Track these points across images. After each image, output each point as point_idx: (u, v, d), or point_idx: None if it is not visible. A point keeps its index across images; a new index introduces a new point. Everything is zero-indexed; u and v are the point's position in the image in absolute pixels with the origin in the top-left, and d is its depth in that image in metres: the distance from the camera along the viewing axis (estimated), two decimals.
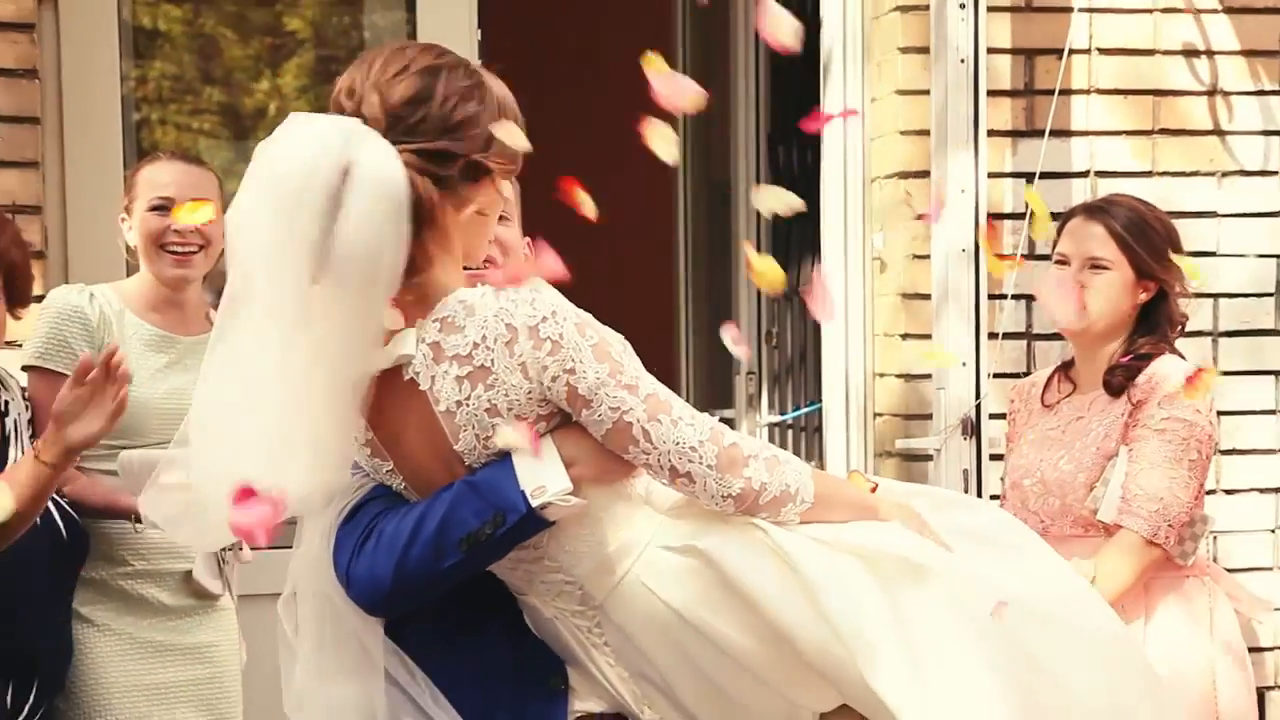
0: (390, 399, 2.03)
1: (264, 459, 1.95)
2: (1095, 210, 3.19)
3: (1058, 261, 3.20)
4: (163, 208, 3.27)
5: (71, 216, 3.77)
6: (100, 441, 3.09)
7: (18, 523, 2.76)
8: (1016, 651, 2.06)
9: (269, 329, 1.94)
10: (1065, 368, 3.30)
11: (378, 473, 2.09)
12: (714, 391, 4.92)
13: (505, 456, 2.00)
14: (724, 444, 2.00)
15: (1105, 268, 3.13)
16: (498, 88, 2.06)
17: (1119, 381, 3.11)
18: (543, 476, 1.98)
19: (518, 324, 1.97)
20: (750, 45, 4.88)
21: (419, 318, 2.00)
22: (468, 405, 1.98)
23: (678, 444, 1.98)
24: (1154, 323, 3.16)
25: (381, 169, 1.94)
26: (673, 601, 2.02)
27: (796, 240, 4.74)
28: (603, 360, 1.98)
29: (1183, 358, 3.18)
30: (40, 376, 3.15)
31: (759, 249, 4.84)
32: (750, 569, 2.01)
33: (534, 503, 1.98)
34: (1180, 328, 3.21)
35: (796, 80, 4.52)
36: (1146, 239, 3.13)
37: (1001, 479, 3.36)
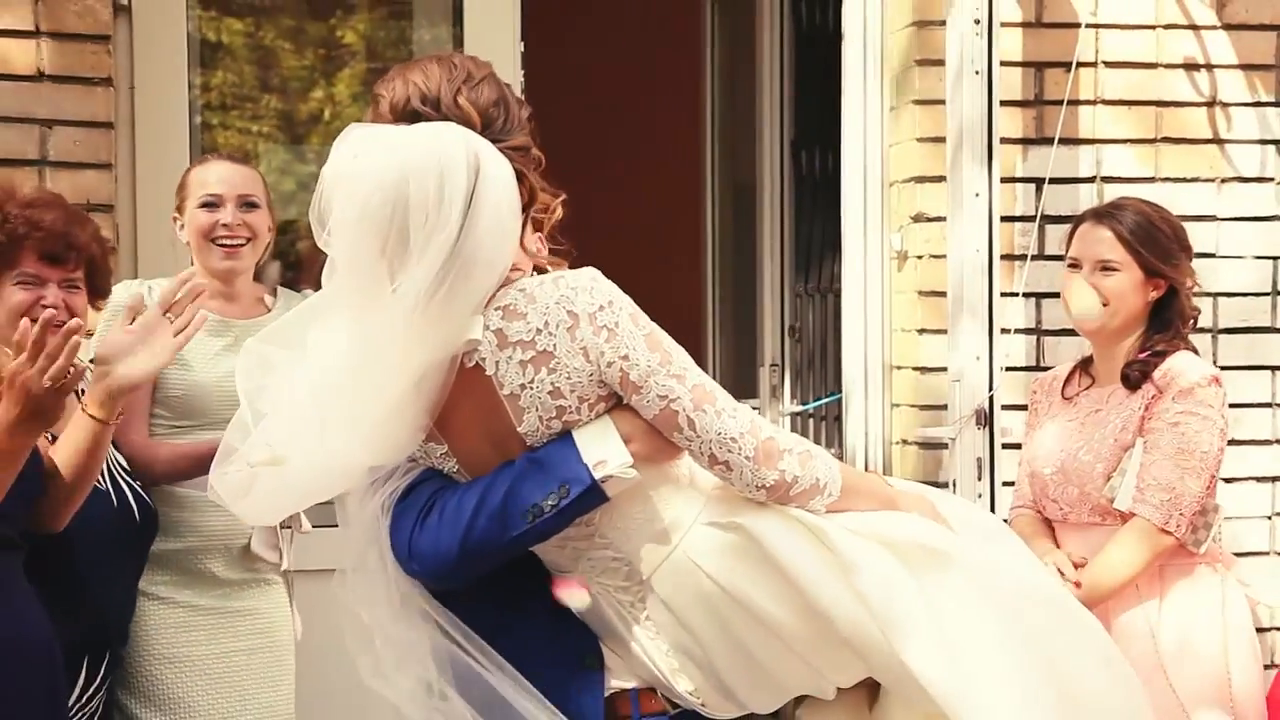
0: (459, 382, 2.05)
1: (347, 433, 2.02)
2: (1103, 215, 3.22)
3: (1070, 265, 3.24)
4: (211, 204, 3.35)
5: (141, 215, 3.85)
6: (166, 424, 3.27)
7: (79, 482, 2.73)
8: (1037, 636, 2.11)
9: (391, 314, 1.97)
10: (1085, 362, 3.32)
11: (430, 457, 2.12)
12: (739, 382, 4.97)
13: (566, 434, 2.05)
14: (761, 437, 2.05)
15: (1115, 269, 3.17)
16: None
17: (1136, 376, 3.14)
18: (604, 451, 2.03)
19: (579, 310, 2.02)
20: (776, 53, 4.92)
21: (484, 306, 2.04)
22: (531, 388, 2.03)
23: (719, 434, 2.03)
24: (1166, 319, 3.19)
25: (500, 167, 2.02)
26: (718, 576, 2.06)
27: (819, 239, 4.74)
28: (654, 350, 2.03)
29: (1197, 353, 3.21)
30: None
31: (783, 249, 4.91)
32: (790, 547, 2.06)
33: (597, 475, 2.03)
34: (1193, 322, 3.24)
35: (820, 88, 4.57)
36: (1153, 240, 3.16)
37: (1019, 465, 3.38)
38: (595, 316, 2.03)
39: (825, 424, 4.66)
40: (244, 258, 3.39)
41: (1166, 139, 4.04)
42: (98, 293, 3.05)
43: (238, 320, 3.36)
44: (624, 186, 5.93)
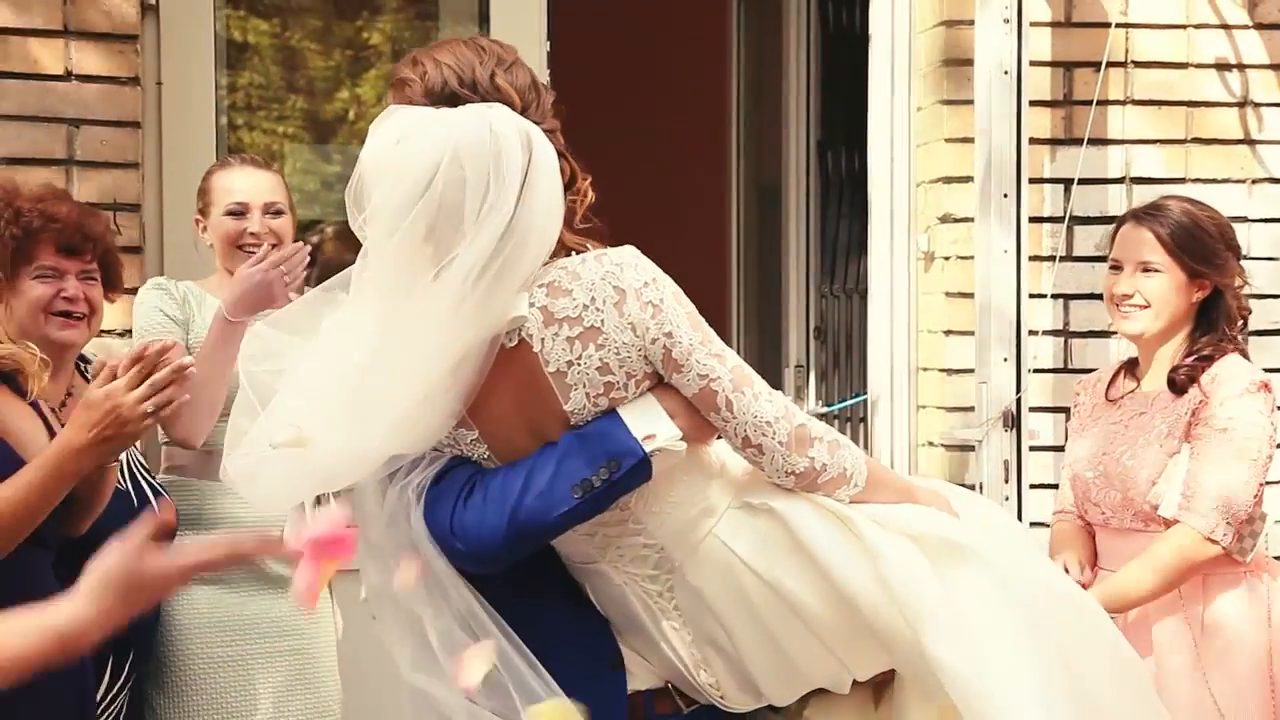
0: (497, 363, 2.03)
1: (377, 419, 1.99)
2: (1144, 216, 3.18)
3: (1112, 267, 3.21)
4: (238, 212, 3.40)
5: (168, 214, 3.87)
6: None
7: (99, 492, 2.73)
8: (1052, 631, 2.10)
9: (436, 299, 1.96)
10: (1130, 364, 3.28)
11: (459, 444, 2.10)
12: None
13: (611, 411, 2.04)
14: (795, 423, 2.07)
15: (1156, 271, 3.13)
16: None
17: (1183, 381, 3.10)
18: (653, 425, 2.03)
19: (625, 286, 2.02)
20: (802, 54, 4.93)
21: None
22: (579, 365, 2.02)
23: (755, 417, 2.04)
24: (1212, 320, 3.15)
25: (548, 146, 2.03)
26: (751, 561, 2.06)
27: (845, 240, 4.76)
28: (696, 329, 2.04)
29: (1247, 357, 3.17)
30: None
31: (808, 250, 4.92)
32: (821, 534, 2.06)
33: (648, 449, 2.02)
34: (1243, 323, 3.20)
35: (846, 88, 4.57)
36: (1195, 241, 3.12)
37: (1063, 469, 3.35)
38: (641, 292, 2.03)
39: (850, 425, 4.69)
40: None
41: (1197, 139, 4.04)
42: (111, 284, 3.06)
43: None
44: (649, 187, 5.90)
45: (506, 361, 2.04)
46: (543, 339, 2.04)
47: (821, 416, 4.75)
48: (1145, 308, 3.16)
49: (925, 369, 4.09)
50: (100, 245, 2.99)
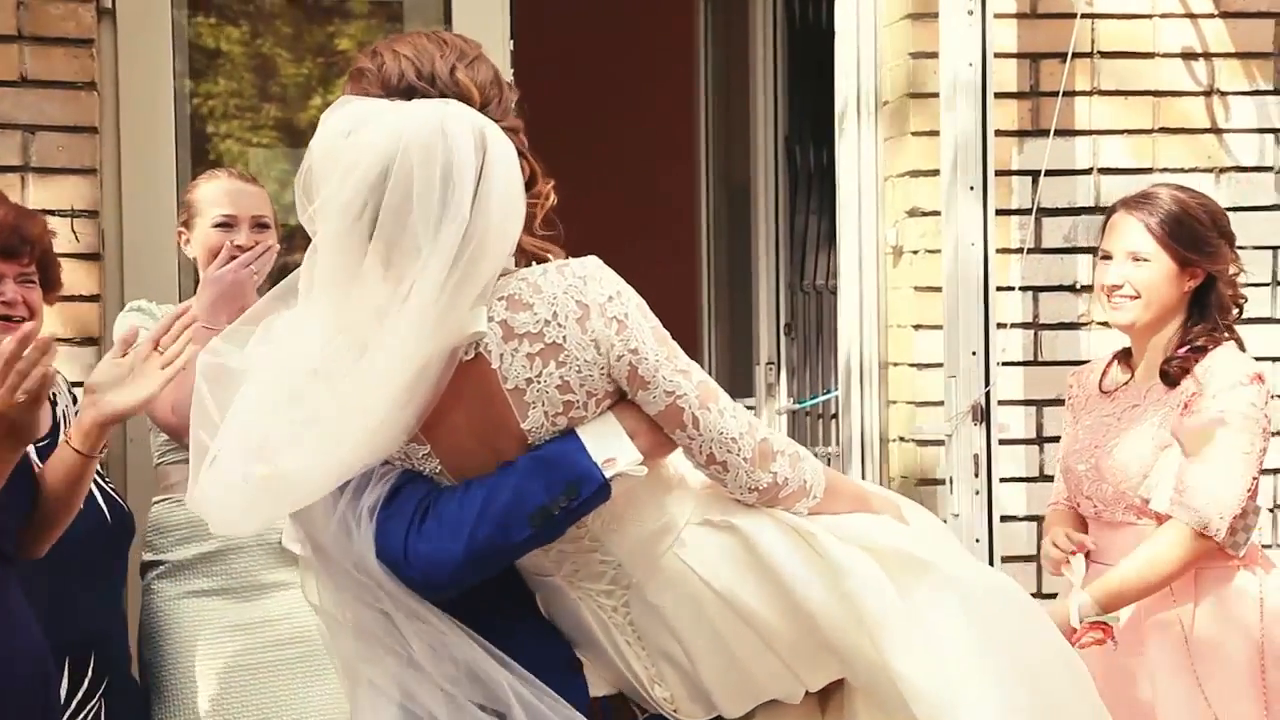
0: (455, 378, 1.99)
1: (335, 434, 1.94)
2: (1134, 205, 3.15)
3: (1102, 256, 3.18)
4: (226, 225, 3.41)
5: (127, 220, 3.83)
6: (168, 446, 3.31)
7: (61, 513, 2.71)
8: (1011, 642, 2.09)
9: (399, 309, 1.91)
10: (1123, 354, 3.25)
11: (411, 458, 2.05)
12: (735, 380, 4.96)
13: (570, 432, 1.99)
14: (758, 439, 2.04)
15: (1145, 260, 3.10)
16: None
17: (1176, 372, 3.08)
18: (613, 448, 1.98)
19: (589, 300, 1.97)
20: (769, 50, 4.91)
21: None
22: (539, 383, 1.98)
23: (721, 434, 2.01)
24: (1205, 309, 3.12)
25: (505, 146, 1.96)
26: (709, 578, 2.04)
27: (814, 236, 4.75)
28: (662, 344, 2.00)
29: (1243, 347, 3.14)
30: None
31: (778, 246, 4.90)
32: (781, 549, 2.04)
33: (608, 473, 1.98)
34: (1239, 311, 3.17)
35: (813, 84, 4.55)
36: (1185, 229, 3.09)
37: (1057, 461, 3.35)
38: (605, 307, 1.98)
39: (822, 421, 4.68)
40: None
41: (1164, 129, 4.04)
42: (50, 287, 3.02)
43: None
44: (616, 184, 5.94)
45: (462, 375, 1.99)
46: (501, 355, 1.99)
47: (792, 413, 4.84)
48: (1135, 298, 3.13)
49: (894, 364, 4.08)
50: (38, 247, 2.94)
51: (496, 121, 1.97)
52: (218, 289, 3.21)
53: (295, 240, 4.49)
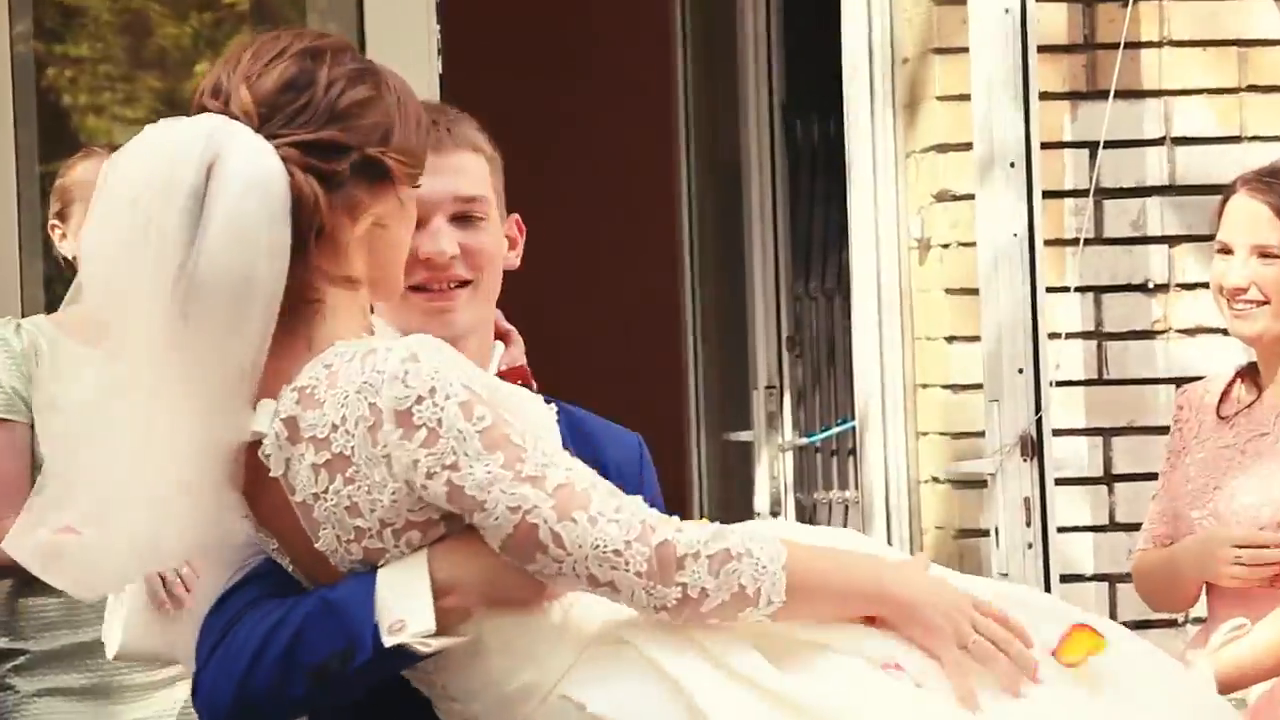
0: (260, 472, 1.86)
1: (140, 504, 1.85)
2: (1259, 186, 2.99)
3: (1219, 250, 3.01)
4: None
5: None
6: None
7: None
8: None
9: (134, 372, 1.84)
10: (1249, 371, 3.09)
11: (266, 547, 1.95)
12: (728, 410, 4.85)
13: (371, 570, 1.85)
14: (654, 542, 1.80)
15: (1277, 256, 2.96)
16: (395, 79, 1.94)
17: None
18: (406, 607, 1.82)
19: (383, 405, 1.79)
20: (760, 2, 4.85)
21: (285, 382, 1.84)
22: (326, 500, 1.83)
23: (597, 547, 1.79)
24: None
25: (251, 162, 1.83)
26: None
27: (822, 227, 4.70)
28: (495, 449, 1.79)
29: None
30: None
31: (776, 240, 4.87)
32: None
33: (386, 642, 1.80)
34: None
35: (814, 41, 4.48)
36: None
37: (1153, 499, 3.15)
38: (409, 414, 1.79)
39: (836, 459, 4.64)
40: None
41: (1253, 87, 3.86)
42: None
43: None
44: (579, 168, 5.72)
45: (263, 473, 1.88)
46: (287, 459, 1.84)
47: (799, 449, 4.77)
48: (1264, 303, 2.96)
49: (924, 385, 3.97)
50: None
51: (286, 132, 1.87)
52: None
53: None
